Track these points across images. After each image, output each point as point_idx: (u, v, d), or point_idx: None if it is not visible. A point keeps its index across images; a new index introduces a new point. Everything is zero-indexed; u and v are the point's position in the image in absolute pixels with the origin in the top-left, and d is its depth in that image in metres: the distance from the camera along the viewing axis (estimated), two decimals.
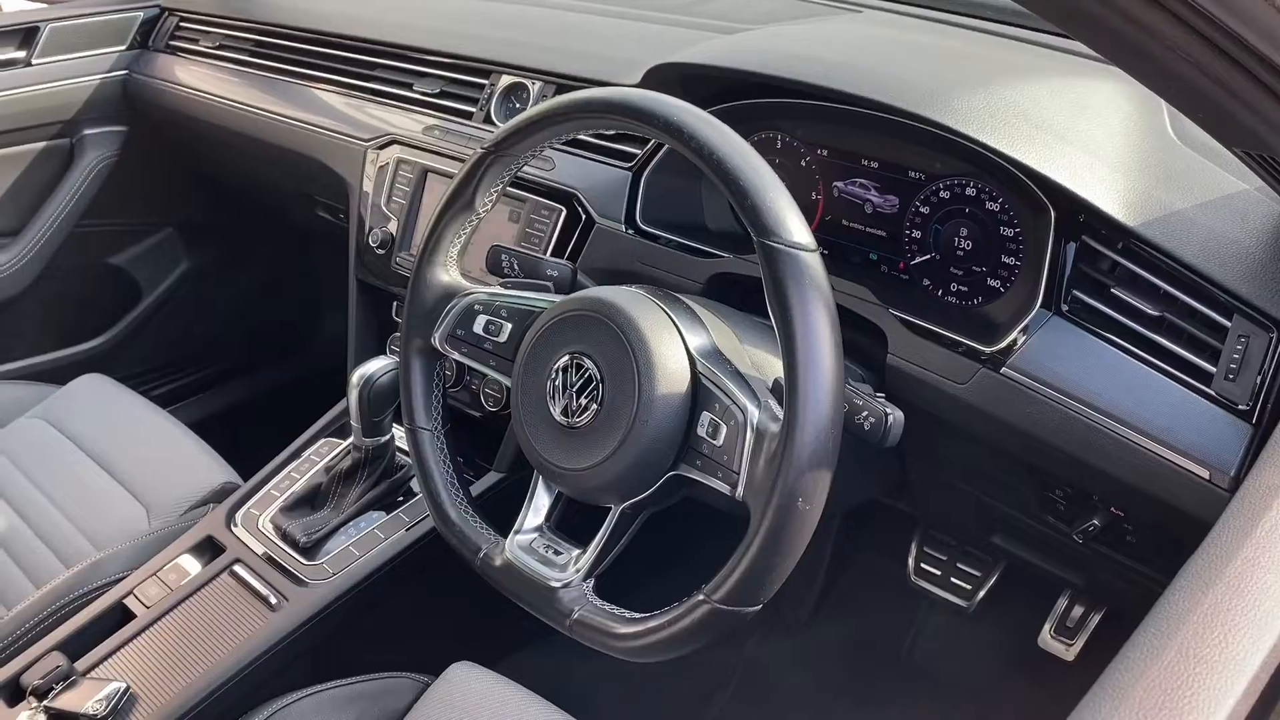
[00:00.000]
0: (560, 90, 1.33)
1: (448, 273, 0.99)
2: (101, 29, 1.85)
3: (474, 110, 1.41)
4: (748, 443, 0.79)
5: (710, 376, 0.83)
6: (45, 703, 1.09)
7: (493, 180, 0.95)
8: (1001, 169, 0.94)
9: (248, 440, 1.54)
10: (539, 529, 0.94)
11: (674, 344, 0.85)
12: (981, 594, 1.44)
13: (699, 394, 0.83)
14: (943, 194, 1.03)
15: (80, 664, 1.14)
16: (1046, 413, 0.87)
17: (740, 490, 0.79)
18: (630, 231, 1.19)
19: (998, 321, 0.97)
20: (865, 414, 0.84)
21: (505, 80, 1.39)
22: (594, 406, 0.85)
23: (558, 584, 0.89)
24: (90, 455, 1.49)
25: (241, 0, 1.82)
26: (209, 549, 1.28)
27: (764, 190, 0.76)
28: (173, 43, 1.86)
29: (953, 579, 1.46)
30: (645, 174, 1.21)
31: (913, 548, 1.50)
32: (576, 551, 0.91)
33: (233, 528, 1.29)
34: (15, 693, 1.12)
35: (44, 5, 1.90)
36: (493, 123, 1.38)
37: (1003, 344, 0.92)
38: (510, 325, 0.95)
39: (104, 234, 1.93)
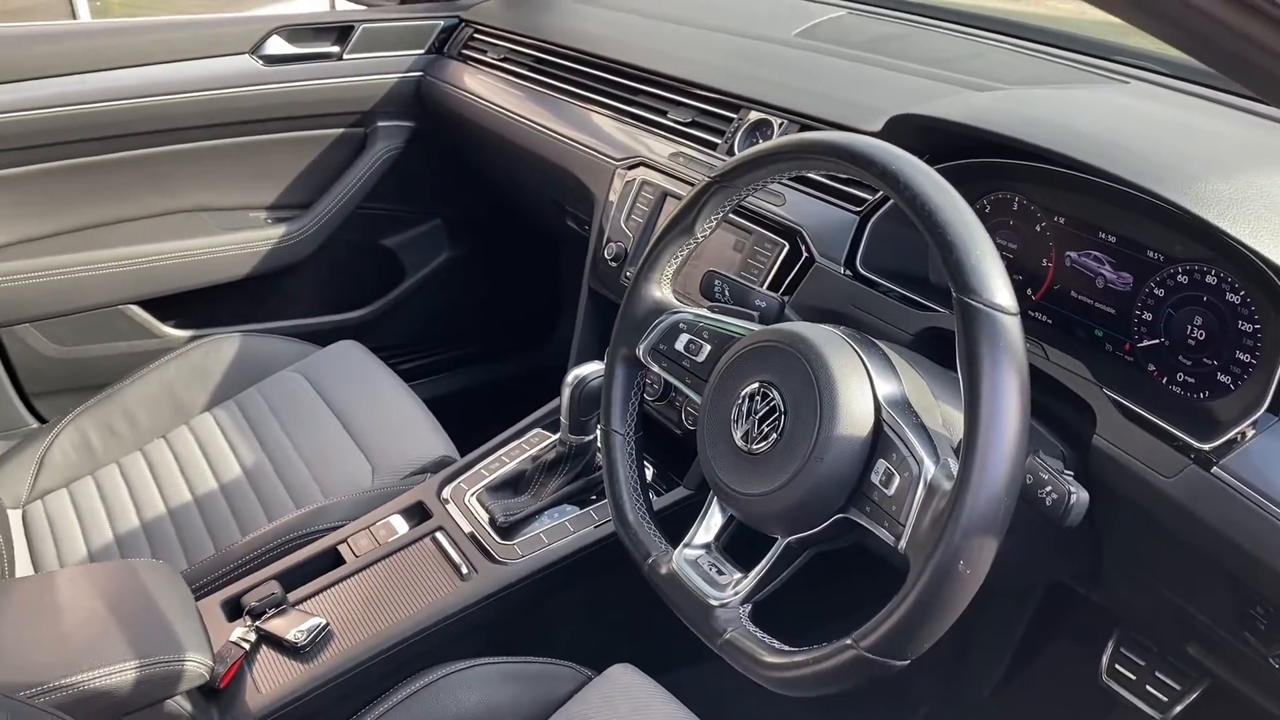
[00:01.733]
0: (803, 130, 1.35)
1: (660, 289, 1.04)
2: (406, 33, 2.05)
3: (719, 142, 1.46)
4: (918, 496, 0.78)
5: (893, 425, 0.83)
6: (258, 623, 1.22)
7: (714, 208, 0.99)
8: (1246, 260, 0.88)
9: (472, 420, 1.66)
10: (707, 546, 0.97)
11: (861, 388, 0.85)
12: (1178, 709, 1.34)
13: (879, 441, 0.83)
14: (1181, 278, 0.98)
15: (292, 595, 1.27)
16: (1255, 522, 0.81)
17: (904, 543, 0.78)
18: (848, 274, 1.20)
19: (1219, 419, 0.91)
20: (1049, 489, 0.82)
21: (752, 116, 1.43)
22: (774, 436, 0.87)
23: (715, 602, 0.91)
24: (334, 412, 1.65)
25: (533, 19, 1.97)
26: (418, 513, 1.39)
27: (971, 246, 0.76)
28: (464, 51, 2.04)
29: (1148, 686, 1.36)
30: (873, 220, 1.21)
31: (1109, 645, 1.41)
32: (739, 575, 0.93)
33: (442, 498, 1.40)
34: (235, 609, 1.26)
35: (362, 7, 2.13)
36: (734, 154, 1.43)
37: (1218, 442, 0.86)
38: (709, 347, 0.99)
39: (380, 217, 2.13)
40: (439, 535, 1.34)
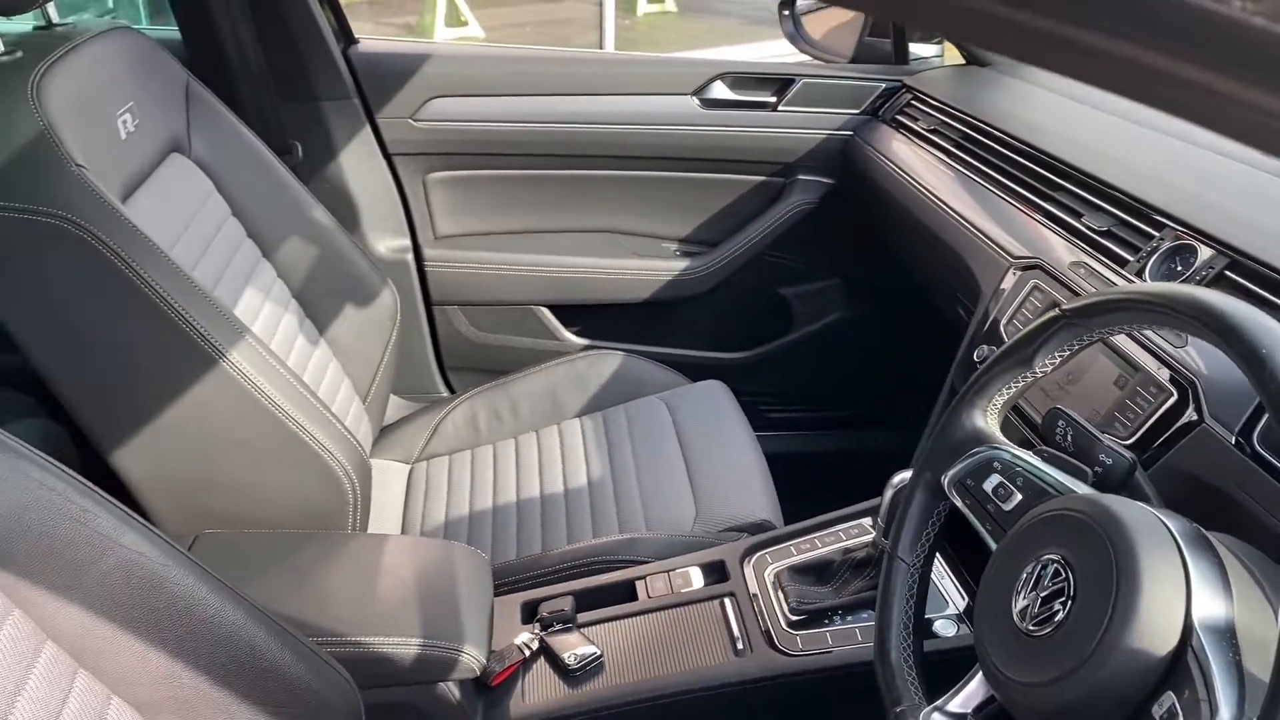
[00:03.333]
0: (1230, 268, 1.16)
1: (984, 419, 0.94)
2: (844, 91, 2.05)
3: (1130, 259, 1.29)
4: None
5: (1200, 655, 0.68)
6: (543, 634, 1.29)
7: (1059, 344, 0.88)
8: None
9: (813, 484, 1.63)
10: (963, 717, 0.86)
11: (1173, 601, 0.71)
12: None
13: (1176, 668, 0.69)
14: None
15: (580, 616, 1.32)
16: None
17: None
18: (1240, 447, 1.01)
19: None
20: None
21: (1173, 238, 1.25)
22: (1053, 622, 0.75)
23: None
24: (682, 449, 1.69)
25: (974, 94, 1.88)
26: (717, 572, 1.39)
27: None
28: (898, 116, 1.99)
29: None
30: None
31: None
32: None
33: (744, 563, 1.38)
34: (531, 613, 1.34)
35: (806, 60, 2.15)
36: (1143, 278, 1.25)
37: None
38: (1020, 497, 0.88)
39: (781, 266, 2.14)
40: (727, 600, 1.32)
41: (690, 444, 1.71)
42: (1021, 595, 0.79)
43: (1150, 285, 0.80)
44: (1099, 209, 1.41)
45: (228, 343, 1.26)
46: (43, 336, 1.24)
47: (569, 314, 2.12)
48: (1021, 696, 0.76)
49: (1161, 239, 1.27)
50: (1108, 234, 1.36)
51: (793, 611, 1.28)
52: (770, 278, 2.16)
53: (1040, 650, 0.76)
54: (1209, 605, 0.71)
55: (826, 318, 2.20)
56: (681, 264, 2.09)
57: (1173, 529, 0.76)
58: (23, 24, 1.42)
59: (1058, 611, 0.76)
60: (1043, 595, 0.77)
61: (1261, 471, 0.98)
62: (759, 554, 1.39)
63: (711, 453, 1.68)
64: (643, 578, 1.39)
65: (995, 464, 0.91)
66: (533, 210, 2.07)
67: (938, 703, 0.87)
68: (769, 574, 1.36)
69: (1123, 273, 1.28)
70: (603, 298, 2.09)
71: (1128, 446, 1.01)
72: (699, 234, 2.12)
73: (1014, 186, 1.58)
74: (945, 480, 0.95)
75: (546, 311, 2.10)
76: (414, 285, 2.04)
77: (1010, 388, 0.93)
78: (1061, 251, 1.39)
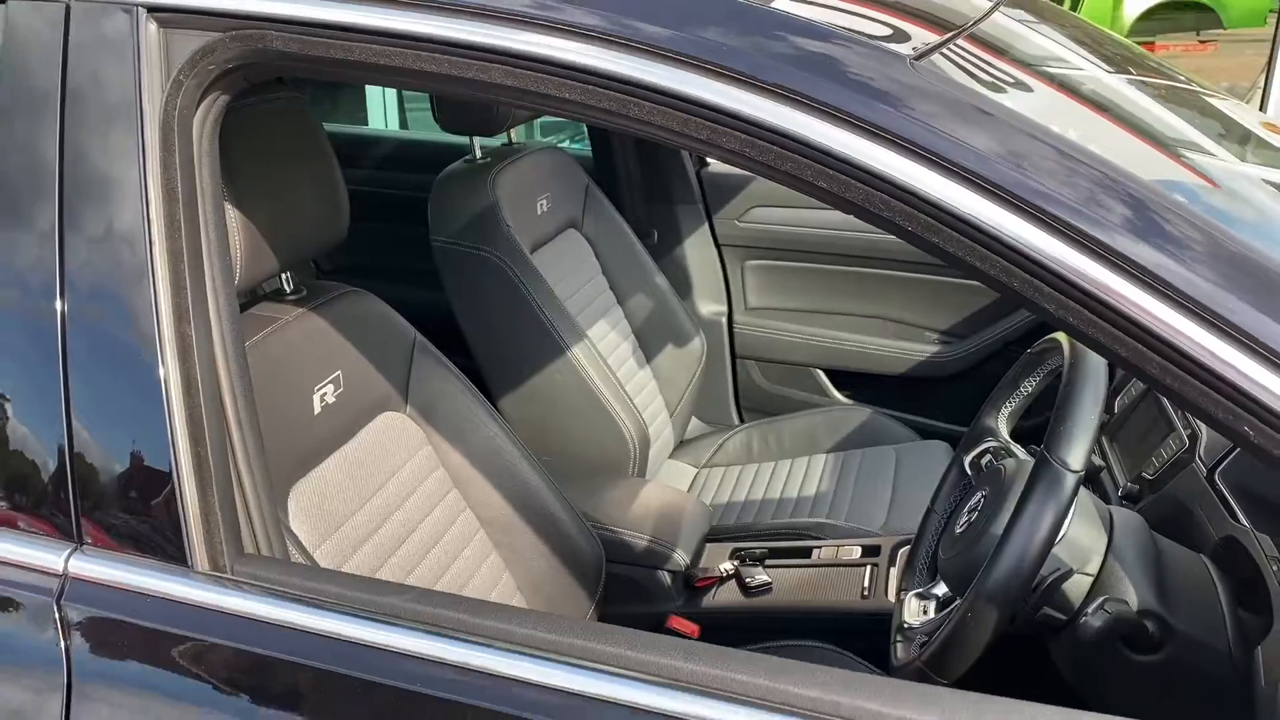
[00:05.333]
0: None
1: (994, 421, 1.43)
2: None
3: None
4: None
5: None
6: (737, 564, 1.88)
7: (1027, 374, 1.36)
8: None
9: None
10: (935, 597, 1.36)
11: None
12: None
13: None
14: None
15: (768, 561, 1.89)
16: None
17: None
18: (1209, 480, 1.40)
19: None
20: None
21: None
22: (973, 526, 1.25)
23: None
24: (894, 481, 2.21)
25: None
26: (873, 552, 1.90)
27: (1076, 419, 1.09)
28: None
29: None
30: None
31: None
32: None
33: (897, 551, 1.88)
34: (735, 554, 1.94)
35: None
36: None
37: None
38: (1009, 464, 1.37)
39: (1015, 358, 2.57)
40: (869, 567, 1.84)
41: (902, 481, 2.21)
42: (962, 514, 1.29)
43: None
44: None
45: (576, 346, 2.02)
46: (474, 329, 2.08)
47: (839, 377, 2.69)
48: (950, 566, 1.26)
49: None
50: None
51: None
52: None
53: (963, 538, 1.25)
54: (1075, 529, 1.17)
55: None
56: (934, 349, 2.59)
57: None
58: (497, 140, 2.33)
59: (976, 521, 1.25)
60: (971, 513, 1.27)
61: (1213, 494, 1.37)
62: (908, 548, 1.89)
63: (916, 489, 2.17)
64: (819, 546, 1.94)
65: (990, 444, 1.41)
66: (822, 294, 2.69)
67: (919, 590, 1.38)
68: (902, 556, 1.85)
69: None
70: (867, 368, 2.64)
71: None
72: (955, 328, 2.61)
73: None
74: (966, 460, 1.45)
75: (821, 374, 2.70)
76: (725, 341, 2.73)
77: (1011, 403, 1.42)
78: None
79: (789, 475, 2.33)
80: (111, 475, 0.95)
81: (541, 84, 0.87)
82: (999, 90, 0.99)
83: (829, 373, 2.70)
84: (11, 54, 0.98)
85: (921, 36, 1.01)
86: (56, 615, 0.93)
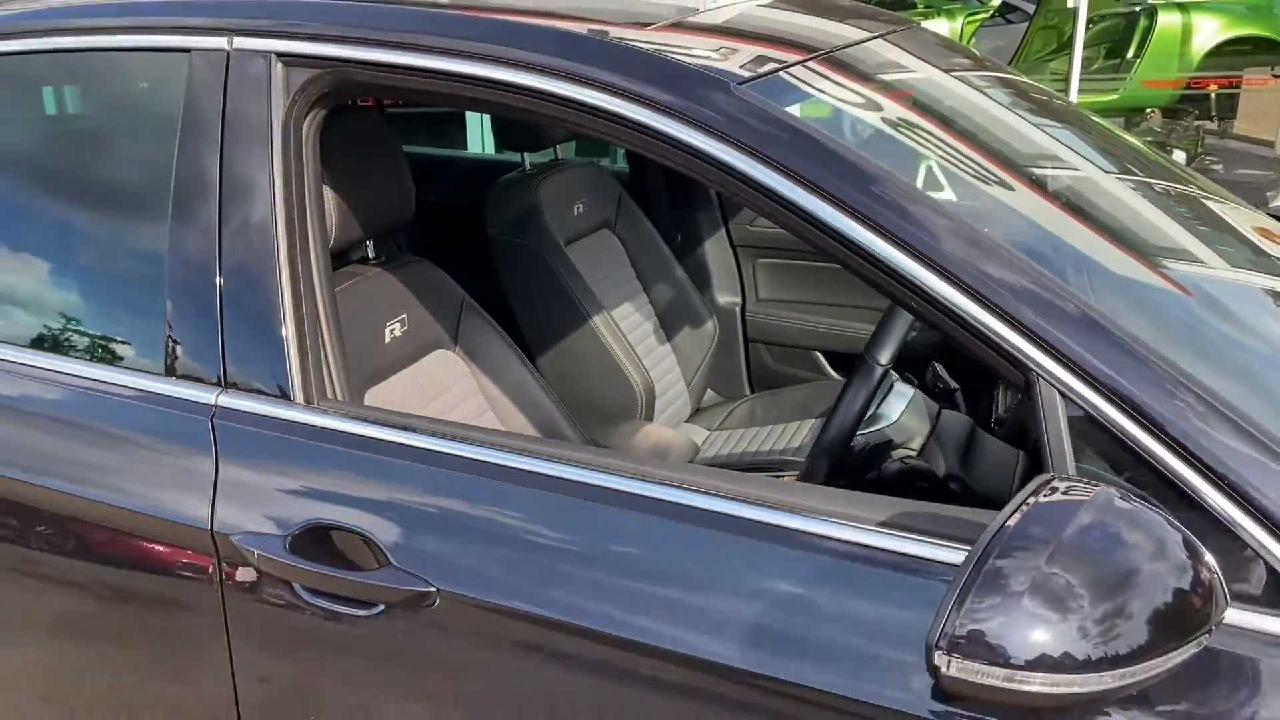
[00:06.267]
0: None
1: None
2: None
3: None
4: None
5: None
6: None
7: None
8: None
9: None
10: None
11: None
12: None
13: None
14: None
15: None
16: None
17: None
18: None
19: None
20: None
21: None
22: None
23: None
24: None
25: None
26: None
27: (886, 331, 1.57)
28: None
29: None
30: None
31: None
32: None
33: None
34: None
35: None
36: None
37: None
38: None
39: None
40: None
41: None
42: None
43: None
44: None
45: (596, 316, 2.56)
46: (518, 302, 2.64)
47: (835, 358, 3.16)
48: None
49: None
50: None
51: None
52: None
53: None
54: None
55: None
56: (911, 333, 3.04)
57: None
58: (544, 155, 2.89)
59: None
60: None
61: None
62: None
63: None
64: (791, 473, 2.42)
65: None
66: (821, 288, 3.16)
67: None
68: None
69: None
70: (857, 350, 3.10)
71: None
72: None
73: None
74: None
75: (819, 355, 3.17)
76: (738, 327, 3.22)
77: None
78: None
79: (782, 434, 2.80)
80: (246, 357, 1.51)
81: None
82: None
83: (826, 354, 3.17)
84: (193, 90, 1.56)
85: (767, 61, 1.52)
86: (211, 427, 1.50)
